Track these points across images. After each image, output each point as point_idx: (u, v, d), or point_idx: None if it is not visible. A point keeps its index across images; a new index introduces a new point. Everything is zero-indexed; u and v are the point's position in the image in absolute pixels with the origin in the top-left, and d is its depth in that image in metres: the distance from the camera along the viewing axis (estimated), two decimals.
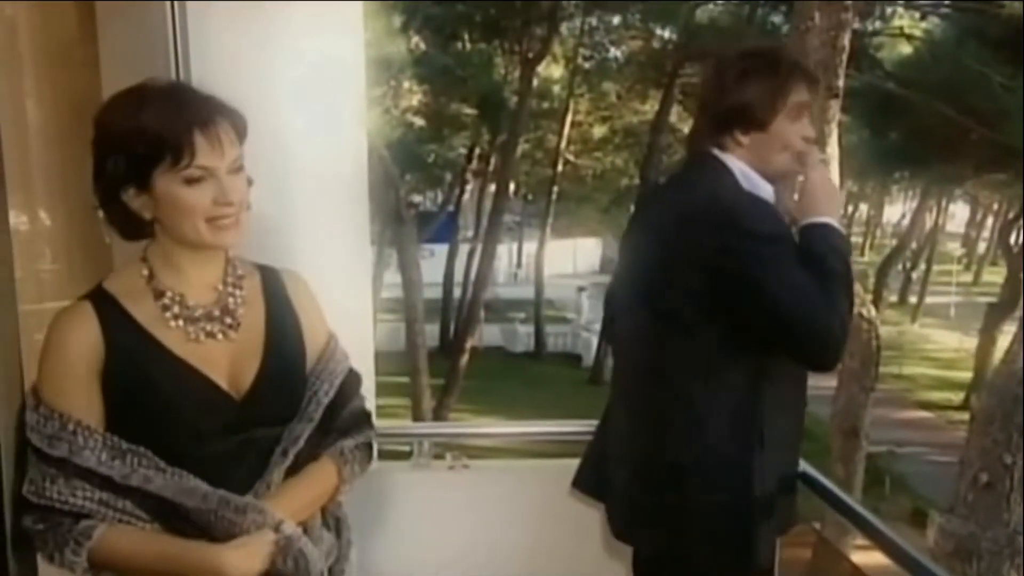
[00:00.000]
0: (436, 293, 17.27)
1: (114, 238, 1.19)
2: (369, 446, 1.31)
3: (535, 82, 14.45)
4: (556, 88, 17.04)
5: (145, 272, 1.17)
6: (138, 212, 1.12)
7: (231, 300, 1.20)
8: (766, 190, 1.50)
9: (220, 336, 1.18)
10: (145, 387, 1.13)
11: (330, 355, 1.27)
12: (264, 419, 1.19)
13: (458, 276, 18.05)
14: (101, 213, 1.16)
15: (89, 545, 1.08)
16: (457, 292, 18.07)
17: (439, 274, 17.81)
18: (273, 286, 1.25)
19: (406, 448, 2.12)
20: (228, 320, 1.19)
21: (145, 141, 1.09)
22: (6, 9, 1.53)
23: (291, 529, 1.14)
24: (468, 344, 13.64)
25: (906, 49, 12.50)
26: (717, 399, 1.46)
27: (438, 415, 11.97)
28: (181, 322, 1.16)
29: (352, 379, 1.29)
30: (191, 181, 1.10)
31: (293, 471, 1.20)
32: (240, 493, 1.15)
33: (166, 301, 1.16)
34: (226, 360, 1.18)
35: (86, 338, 1.13)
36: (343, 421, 1.26)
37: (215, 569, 1.09)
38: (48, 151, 1.66)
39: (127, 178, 1.11)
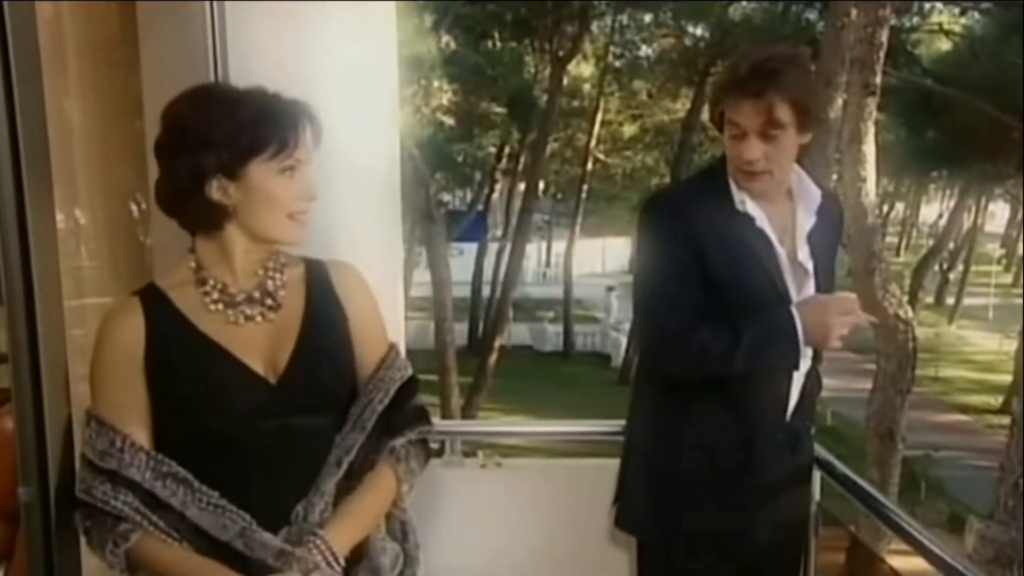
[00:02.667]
0: (465, 292, 17.32)
1: (154, 235, 1.21)
2: (424, 442, 1.30)
3: (565, 81, 14.42)
4: (586, 87, 17.00)
5: (193, 264, 1.21)
6: (220, 202, 1.15)
7: (270, 283, 1.22)
8: (752, 207, 1.49)
9: (259, 318, 1.20)
10: (178, 370, 1.17)
11: (389, 364, 1.27)
12: (299, 405, 1.19)
13: (487, 275, 18.08)
14: (141, 207, 1.20)
15: (125, 547, 1.13)
16: (486, 291, 18.10)
17: (468, 273, 17.86)
18: (317, 275, 1.27)
19: (435, 447, 2.12)
20: (268, 301, 1.20)
21: (251, 134, 1.14)
22: (47, 10, 1.56)
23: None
24: (497, 343, 13.65)
25: (945, 45, 12.26)
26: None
27: (467, 413, 12.01)
28: (221, 306, 1.19)
29: (409, 385, 1.29)
30: (285, 170, 1.17)
31: (347, 479, 1.21)
32: (288, 491, 1.16)
33: (207, 288, 1.19)
34: (264, 343, 1.20)
35: (130, 331, 1.17)
36: (396, 424, 1.25)
37: None
38: (88, 149, 1.69)
39: (217, 169, 1.14)
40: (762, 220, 1.50)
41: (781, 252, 1.52)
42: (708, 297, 1.50)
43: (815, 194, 1.55)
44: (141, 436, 1.16)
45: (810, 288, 1.55)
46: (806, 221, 1.54)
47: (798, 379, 1.57)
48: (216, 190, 1.15)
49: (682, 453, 1.58)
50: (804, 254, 1.54)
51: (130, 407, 1.16)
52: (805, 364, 1.55)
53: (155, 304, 1.19)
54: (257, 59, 1.52)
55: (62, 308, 1.26)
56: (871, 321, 1.50)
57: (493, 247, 18.27)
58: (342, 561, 1.16)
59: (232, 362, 1.17)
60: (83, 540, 1.18)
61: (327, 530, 1.16)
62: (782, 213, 1.55)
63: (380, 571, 1.21)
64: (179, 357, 1.17)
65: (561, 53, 14.00)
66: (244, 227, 1.18)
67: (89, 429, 1.16)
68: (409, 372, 1.29)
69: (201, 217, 1.18)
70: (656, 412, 1.62)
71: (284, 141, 1.16)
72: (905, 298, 6.73)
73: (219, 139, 1.13)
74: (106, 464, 1.13)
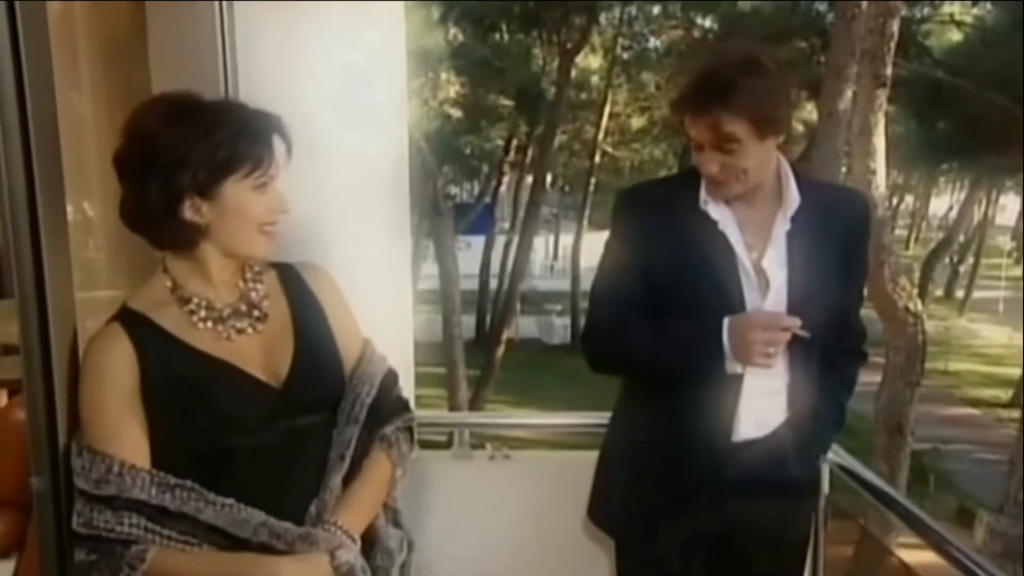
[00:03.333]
0: (472, 285, 17.31)
1: None
2: (410, 429, 1.34)
3: (573, 73, 14.37)
4: (594, 79, 16.94)
5: (168, 283, 1.19)
6: (192, 221, 1.14)
7: (253, 294, 1.23)
8: (717, 209, 1.46)
9: (250, 331, 1.20)
10: (185, 391, 1.15)
11: (368, 359, 1.30)
12: (305, 405, 1.21)
13: (494, 268, 18.07)
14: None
15: (143, 568, 1.10)
16: (493, 284, 18.09)
17: (476, 266, 17.85)
18: (290, 278, 1.28)
19: (442, 439, 2.13)
20: (255, 313, 1.21)
21: (225, 153, 1.12)
22: (57, 3, 1.56)
23: (348, 555, 1.16)
24: (504, 336, 13.66)
25: (956, 36, 12.15)
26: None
27: (474, 406, 12.02)
28: (210, 323, 1.18)
29: (390, 376, 1.32)
30: (259, 188, 1.16)
31: (348, 471, 1.23)
32: (299, 493, 1.17)
33: (192, 307, 1.18)
34: (260, 352, 1.21)
35: (120, 358, 1.15)
36: (384, 413, 1.28)
37: None
38: (96, 142, 1.69)
39: (191, 188, 1.13)
40: (726, 223, 1.47)
41: (743, 258, 1.47)
42: (652, 296, 1.48)
43: (794, 198, 1.47)
44: (139, 459, 1.14)
45: (774, 298, 1.47)
46: (780, 226, 1.47)
47: (756, 396, 1.49)
48: (189, 209, 1.13)
49: (627, 449, 1.61)
50: (771, 261, 1.47)
51: (125, 432, 1.14)
52: (765, 382, 1.48)
53: (137, 327, 1.16)
54: (265, 52, 1.52)
55: (73, 300, 1.27)
56: (798, 332, 1.40)
57: (500, 240, 18.25)
58: (359, 540, 1.19)
59: (236, 374, 1.17)
60: None
61: (338, 516, 1.18)
62: (761, 217, 1.49)
63: (392, 554, 1.25)
64: (180, 376, 1.15)
65: (569, 45, 13.94)
66: (217, 244, 1.17)
67: (81, 459, 1.13)
68: (388, 364, 1.32)
69: (173, 237, 1.17)
70: (616, 405, 1.67)
71: (259, 158, 1.15)
72: (915, 291, 6.69)
73: (195, 158, 1.11)
74: (104, 491, 1.11)
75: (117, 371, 1.14)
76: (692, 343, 1.46)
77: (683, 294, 1.47)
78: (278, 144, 1.18)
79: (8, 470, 2.21)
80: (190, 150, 1.11)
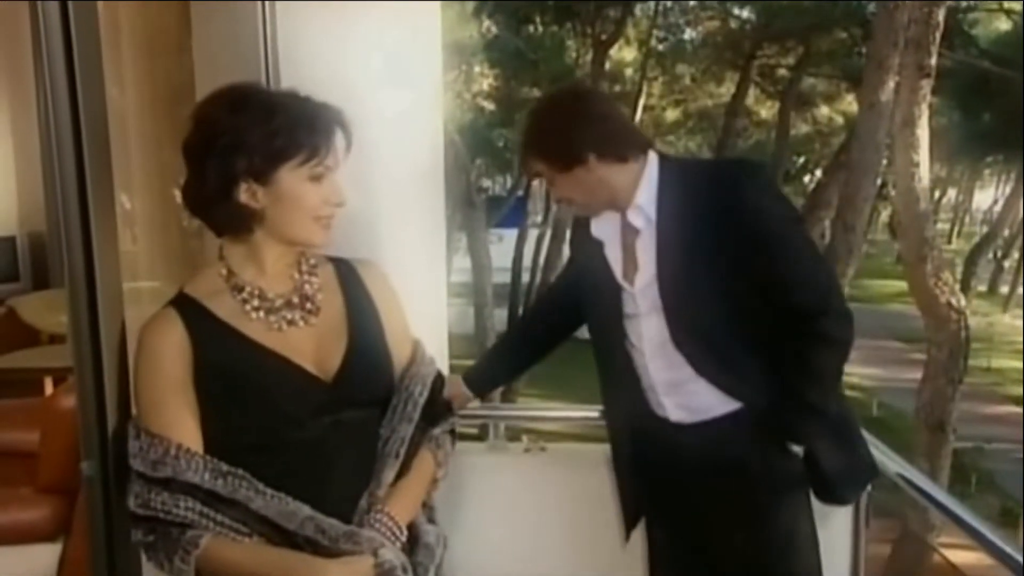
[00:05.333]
0: (505, 278, 17.32)
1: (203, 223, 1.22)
2: (453, 431, 1.38)
3: (607, 65, 14.25)
4: (629, 71, 16.78)
5: (223, 271, 1.21)
6: (248, 206, 1.16)
7: (307, 287, 1.24)
8: (598, 226, 1.59)
9: (301, 323, 1.21)
10: (235, 379, 1.16)
11: (420, 359, 1.33)
12: (354, 400, 1.22)
13: (527, 261, 18.05)
14: (187, 214, 1.20)
15: (196, 553, 1.11)
16: (526, 277, 18.08)
17: (508, 259, 17.85)
18: (346, 274, 1.29)
19: (473, 431, 2.13)
20: (308, 306, 1.22)
21: (283, 140, 1.14)
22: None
23: (390, 555, 1.16)
24: None
25: (1004, 25, 11.81)
26: None
27: (506, 398, 12.03)
28: (262, 313, 1.20)
29: (440, 379, 1.35)
30: (315, 178, 1.17)
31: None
32: (343, 487, 1.19)
33: (245, 295, 1.20)
34: (311, 345, 1.21)
35: (174, 342, 1.16)
36: (434, 414, 1.31)
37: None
38: (137, 136, 1.73)
39: (247, 173, 1.15)
40: (608, 242, 1.58)
41: (615, 270, 1.57)
42: (566, 296, 1.71)
43: (640, 200, 1.51)
44: (194, 443, 1.15)
45: (643, 298, 1.53)
46: (645, 231, 1.52)
47: (668, 385, 1.55)
48: (244, 193, 1.15)
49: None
50: (644, 271, 1.53)
51: (180, 416, 1.16)
52: (668, 374, 1.54)
53: (192, 313, 1.18)
54: (305, 47, 1.54)
55: (121, 289, 1.30)
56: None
57: (533, 233, 18.22)
58: (404, 536, 1.20)
59: (287, 365, 1.18)
60: (144, 556, 1.17)
61: (390, 508, 1.20)
62: (630, 227, 1.55)
63: (432, 550, 1.26)
64: (231, 364, 1.16)
65: (603, 37, 13.84)
66: (272, 231, 1.19)
67: (138, 441, 1.15)
68: (436, 366, 1.36)
69: (228, 221, 1.18)
70: None
71: (316, 148, 1.16)
72: (957, 286, 6.54)
73: (252, 143, 1.13)
74: (160, 473, 1.13)
75: (170, 355, 1.16)
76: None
77: (581, 301, 1.65)
78: (338, 137, 1.19)
79: (55, 456, 2.28)
80: (248, 135, 1.13)
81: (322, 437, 1.19)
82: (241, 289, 1.20)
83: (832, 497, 1.59)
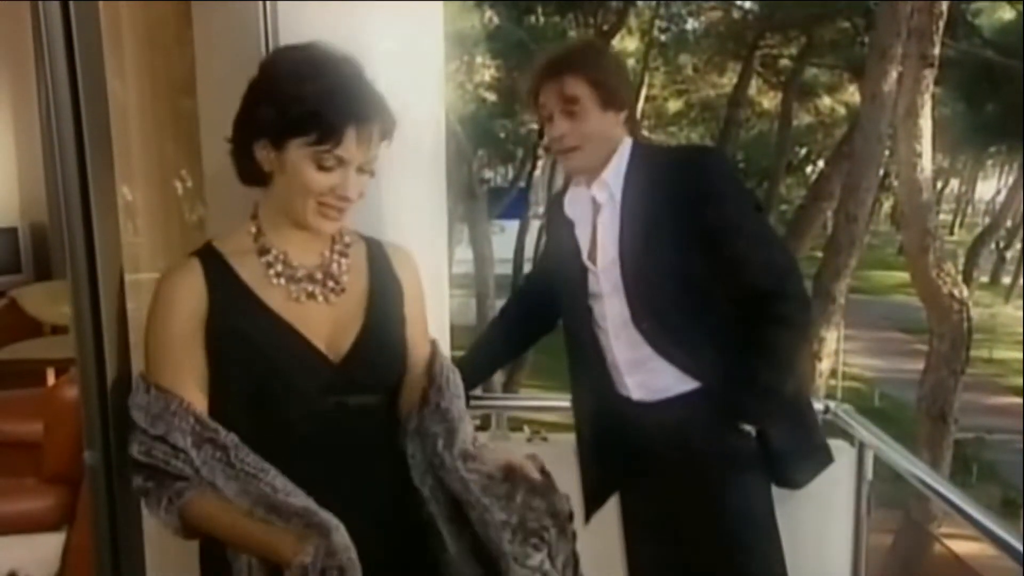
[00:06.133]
0: (507, 269, 17.32)
1: (206, 213, 1.23)
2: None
3: None
4: (631, 61, 16.70)
5: (253, 230, 1.20)
6: (260, 164, 1.16)
7: (335, 266, 1.22)
8: (569, 206, 1.64)
9: (321, 299, 1.20)
10: (243, 341, 1.15)
11: (440, 357, 1.32)
12: (359, 385, 1.21)
13: (528, 252, 18.03)
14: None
15: (180, 503, 1.11)
16: (527, 268, 18.06)
17: (510, 250, 17.84)
18: (378, 256, 1.28)
19: (476, 421, 2.13)
20: (331, 284, 1.21)
21: (300, 110, 1.11)
22: None
23: (340, 537, 1.09)
24: None
25: (1008, 15, 11.73)
26: None
27: (508, 389, 12.06)
28: (283, 280, 1.18)
29: (456, 378, 1.33)
30: (322, 168, 1.13)
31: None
32: (340, 474, 1.17)
33: (269, 259, 1.18)
34: (327, 323, 1.20)
35: (191, 293, 1.14)
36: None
37: (276, 552, 1.08)
38: (138, 127, 1.73)
39: (266, 131, 1.14)
40: (579, 220, 1.61)
41: (583, 249, 1.60)
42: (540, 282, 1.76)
43: (612, 171, 1.55)
44: (198, 399, 1.14)
45: (605, 277, 1.56)
46: (607, 208, 1.56)
47: (630, 364, 1.58)
48: (260, 149, 1.15)
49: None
50: (606, 250, 1.56)
51: (188, 370, 1.14)
52: (630, 352, 1.58)
53: (215, 268, 1.16)
54: (308, 36, 1.53)
55: (123, 280, 1.30)
56: None
57: (535, 224, 18.19)
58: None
59: (298, 339, 1.17)
60: (143, 502, 1.18)
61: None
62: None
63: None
64: (243, 328, 1.15)
65: (605, 27, 13.77)
66: (276, 200, 1.18)
67: (146, 395, 1.14)
68: (450, 364, 1.34)
69: (248, 171, 1.19)
70: None
71: (328, 134, 1.11)
72: (959, 277, 6.53)
73: (278, 103, 1.12)
74: (157, 430, 1.12)
75: (188, 306, 1.14)
76: None
77: (553, 283, 1.69)
78: (370, 133, 1.14)
79: (59, 446, 2.29)
80: (278, 93, 1.13)
81: (320, 418, 1.17)
82: (267, 251, 1.18)
83: (783, 479, 1.60)
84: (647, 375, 1.59)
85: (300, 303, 1.18)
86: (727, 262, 1.52)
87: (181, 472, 1.13)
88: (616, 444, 1.66)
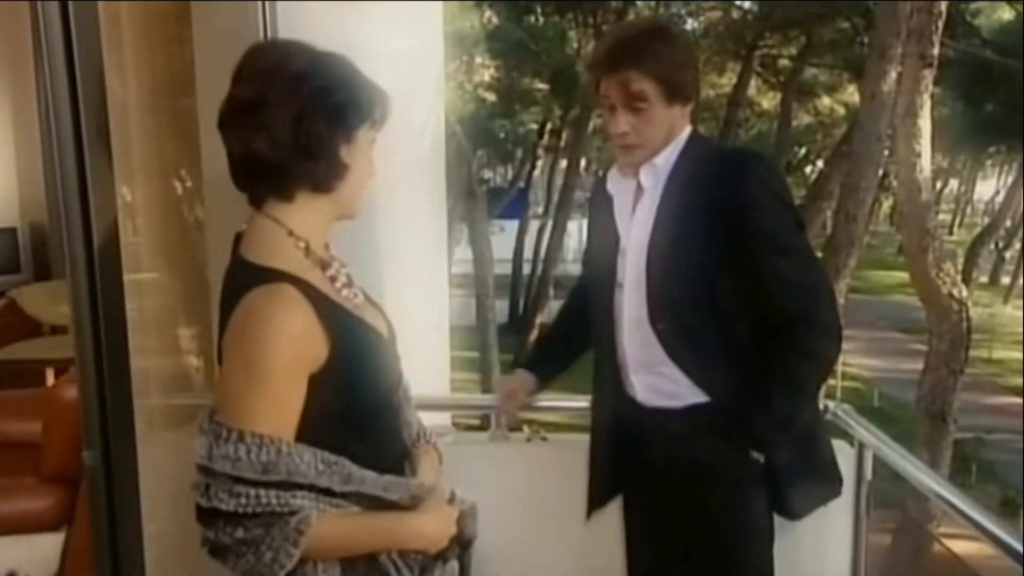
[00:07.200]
0: (506, 269, 17.31)
1: (206, 215, 1.22)
2: None
3: None
4: None
5: (302, 245, 1.11)
6: (343, 162, 1.10)
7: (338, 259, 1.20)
8: (613, 186, 1.59)
9: (362, 295, 1.19)
10: (365, 363, 1.11)
11: None
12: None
13: (528, 252, 18.03)
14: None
15: (309, 534, 1.03)
16: (527, 269, 18.07)
17: (509, 250, 17.84)
18: None
19: (476, 421, 2.13)
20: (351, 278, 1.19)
21: (362, 95, 1.11)
22: None
23: (463, 497, 1.20)
24: (538, 320, 13.65)
25: (1007, 15, 11.74)
26: None
27: None
28: (347, 290, 1.15)
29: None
30: (372, 143, 1.15)
31: None
32: (401, 450, 1.21)
33: (332, 272, 1.13)
34: (375, 316, 1.20)
35: (301, 327, 1.03)
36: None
37: (419, 534, 1.12)
38: (138, 127, 1.72)
39: (347, 126, 1.10)
40: (621, 198, 1.55)
41: (621, 233, 1.55)
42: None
43: (663, 161, 1.51)
44: (292, 431, 1.05)
45: (632, 264, 1.52)
46: (650, 194, 1.51)
47: (641, 368, 1.55)
48: (344, 146, 1.11)
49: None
50: (632, 232, 1.53)
51: (291, 409, 1.04)
52: (643, 353, 1.54)
53: (310, 293, 1.05)
54: (307, 35, 1.53)
55: (122, 280, 1.30)
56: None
57: (534, 224, 18.19)
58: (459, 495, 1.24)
59: (380, 337, 1.17)
60: (239, 556, 1.04)
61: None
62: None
63: None
64: (353, 343, 1.09)
65: (605, 27, 13.77)
66: (341, 195, 1.13)
67: (243, 444, 1.00)
68: None
69: (320, 181, 1.10)
70: None
71: (384, 112, 1.14)
72: (959, 277, 6.53)
73: (343, 95, 1.10)
74: (273, 476, 1.02)
75: (299, 342, 1.02)
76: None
77: (590, 274, 1.67)
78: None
79: (58, 446, 2.29)
80: (342, 86, 1.12)
81: (398, 409, 1.21)
82: (327, 265, 1.12)
83: (782, 509, 1.55)
84: (655, 378, 1.54)
85: (362, 306, 1.17)
86: (757, 275, 1.44)
87: (300, 508, 1.04)
88: (619, 444, 1.64)
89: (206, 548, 1.05)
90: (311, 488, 1.05)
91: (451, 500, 1.19)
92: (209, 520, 1.03)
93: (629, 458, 1.62)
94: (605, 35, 1.59)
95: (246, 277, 1.05)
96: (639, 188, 1.53)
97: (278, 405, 1.03)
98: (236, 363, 1.03)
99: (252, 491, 1.01)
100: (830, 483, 1.61)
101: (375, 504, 1.11)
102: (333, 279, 1.13)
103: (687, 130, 1.53)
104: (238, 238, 1.14)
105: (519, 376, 1.75)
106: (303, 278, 1.06)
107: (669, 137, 1.50)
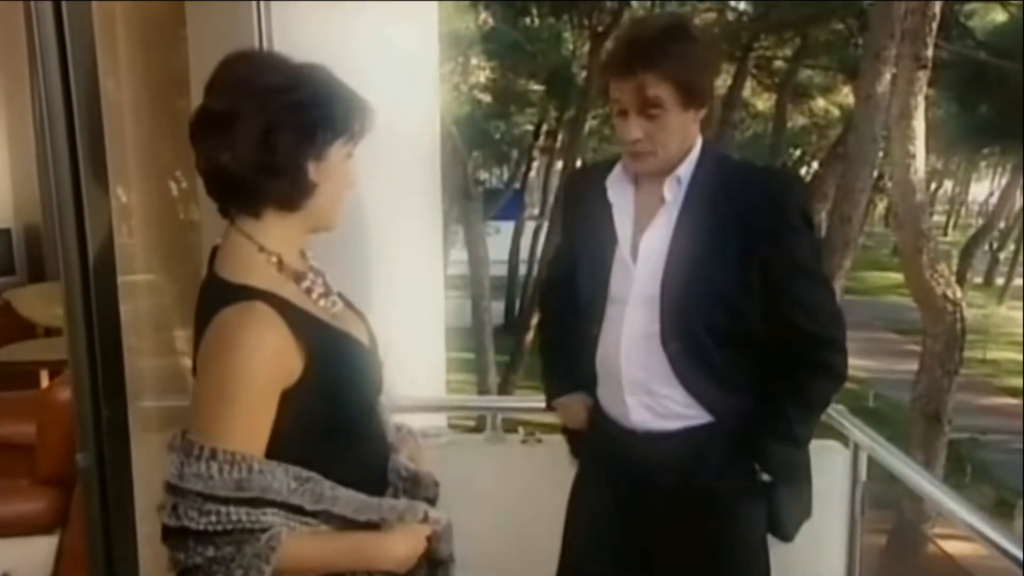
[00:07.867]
0: (502, 270, 17.32)
1: (201, 216, 1.22)
2: None
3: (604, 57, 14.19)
4: None
5: (274, 260, 1.10)
6: (310, 179, 1.08)
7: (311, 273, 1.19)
8: (615, 193, 1.50)
9: (341, 303, 1.18)
10: (344, 373, 1.11)
11: None
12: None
13: (524, 254, 18.04)
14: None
15: (279, 552, 1.02)
16: (523, 270, 18.08)
17: (505, 251, 17.84)
18: None
19: (471, 422, 2.13)
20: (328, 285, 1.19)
21: (337, 110, 1.09)
22: None
23: (436, 513, 1.18)
24: (533, 322, 13.64)
25: (1001, 16, 11.78)
26: None
27: (503, 391, 12.05)
28: (323, 300, 1.14)
29: None
30: (348, 156, 1.13)
31: None
32: (376, 464, 1.19)
33: (308, 284, 1.13)
34: (355, 323, 1.20)
35: (277, 345, 1.03)
36: None
37: (387, 555, 1.11)
38: (132, 128, 1.72)
39: (317, 141, 1.08)
40: (622, 207, 1.47)
41: (623, 243, 1.45)
42: (567, 281, 1.55)
43: (682, 174, 1.43)
44: (262, 448, 1.05)
45: (642, 283, 1.43)
46: (669, 209, 1.43)
47: (641, 390, 1.48)
48: (312, 163, 1.09)
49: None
50: (646, 247, 1.44)
51: (263, 427, 1.04)
52: (643, 373, 1.47)
53: (285, 309, 1.05)
54: (302, 36, 1.53)
55: (116, 282, 1.29)
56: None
57: (530, 226, 18.20)
58: (432, 514, 1.21)
59: (359, 346, 1.16)
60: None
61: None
62: (652, 199, 1.45)
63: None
64: (334, 356, 1.09)
65: (600, 29, 13.77)
66: (313, 210, 1.11)
67: (214, 463, 1.00)
68: None
69: (298, 193, 1.09)
70: None
71: (363, 127, 1.12)
72: (953, 278, 6.55)
73: (317, 109, 1.08)
74: (247, 493, 1.02)
75: (274, 361, 1.02)
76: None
77: (576, 279, 1.53)
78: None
79: (52, 448, 2.28)
80: (317, 100, 1.10)
81: (375, 418, 1.20)
82: (302, 277, 1.12)
83: (776, 531, 1.53)
84: (650, 398, 1.48)
85: (341, 315, 1.16)
86: (780, 299, 1.41)
87: (270, 525, 1.04)
88: (611, 465, 1.58)
89: (175, 572, 1.04)
90: (282, 505, 1.05)
91: (424, 519, 1.16)
92: (178, 541, 1.03)
93: (625, 479, 1.56)
94: (620, 33, 1.51)
95: (219, 295, 1.06)
96: (658, 200, 1.44)
97: (251, 423, 1.03)
98: (209, 381, 1.03)
99: (223, 508, 1.01)
100: (809, 505, 1.60)
101: (344, 524, 1.10)
102: (309, 291, 1.12)
103: (699, 139, 1.46)
104: (214, 252, 1.14)
105: (580, 399, 1.64)
106: (277, 293, 1.06)
107: (683, 145, 1.43)
